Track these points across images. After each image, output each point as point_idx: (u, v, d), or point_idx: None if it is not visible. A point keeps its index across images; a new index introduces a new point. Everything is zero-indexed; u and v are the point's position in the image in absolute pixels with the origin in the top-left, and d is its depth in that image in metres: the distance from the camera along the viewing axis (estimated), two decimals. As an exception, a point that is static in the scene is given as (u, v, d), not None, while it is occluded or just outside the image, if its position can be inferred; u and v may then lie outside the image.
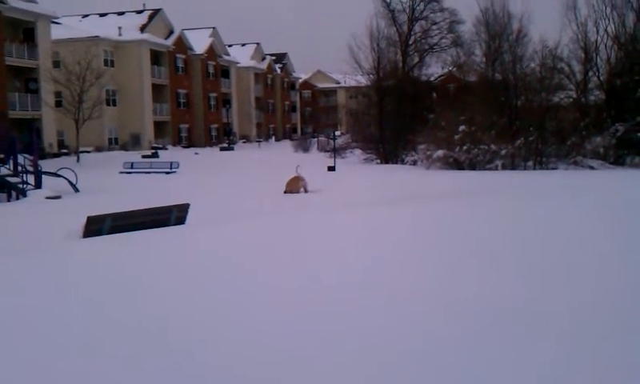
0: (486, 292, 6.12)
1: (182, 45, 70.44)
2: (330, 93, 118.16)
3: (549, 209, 12.60)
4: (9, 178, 24.63)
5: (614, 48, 37.90)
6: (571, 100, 39.21)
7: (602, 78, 38.67)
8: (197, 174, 34.33)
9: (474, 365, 4.37)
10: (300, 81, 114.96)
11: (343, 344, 4.78)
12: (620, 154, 33.50)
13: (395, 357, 4.51)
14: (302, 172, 24.15)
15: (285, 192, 23.10)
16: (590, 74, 39.05)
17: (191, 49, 72.24)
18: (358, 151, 46.04)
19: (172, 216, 13.40)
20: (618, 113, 35.25)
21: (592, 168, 31.47)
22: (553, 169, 31.92)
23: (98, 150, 56.26)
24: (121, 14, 68.13)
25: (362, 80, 49.24)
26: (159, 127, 66.05)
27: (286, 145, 71.40)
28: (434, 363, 4.40)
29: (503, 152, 32.54)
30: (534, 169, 32.27)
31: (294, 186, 23.55)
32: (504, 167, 32.38)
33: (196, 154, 56.95)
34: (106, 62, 59.41)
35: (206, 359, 4.56)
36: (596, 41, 38.27)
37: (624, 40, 37.56)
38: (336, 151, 41.74)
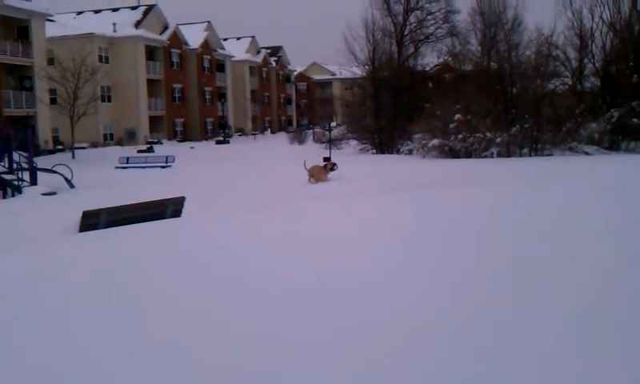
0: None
1: (176, 40, 70.36)
2: (325, 85, 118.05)
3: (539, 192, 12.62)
4: (4, 175, 24.65)
5: (609, 35, 37.92)
6: (567, 87, 39.27)
7: (597, 64, 38.73)
8: (193, 168, 34.33)
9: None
10: (295, 73, 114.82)
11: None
12: (615, 140, 33.54)
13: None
14: (310, 163, 24.25)
15: (309, 181, 23.24)
16: (586, 60, 39.10)
17: (186, 43, 72.16)
18: (353, 142, 45.94)
19: (168, 209, 13.39)
20: (613, 99, 35.29)
21: (587, 154, 31.51)
22: (548, 155, 31.95)
23: (94, 146, 56.27)
24: (115, 10, 68.04)
25: (358, 71, 49.20)
26: (154, 122, 66.02)
27: (282, 137, 71.42)
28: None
29: (499, 140, 32.54)
30: (530, 156, 32.29)
31: (320, 174, 23.59)
32: (499, 155, 32.36)
33: (192, 147, 57.01)
34: (100, 58, 59.41)
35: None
36: (591, 28, 38.33)
37: (619, 27, 37.57)
38: (332, 142, 41.74)
